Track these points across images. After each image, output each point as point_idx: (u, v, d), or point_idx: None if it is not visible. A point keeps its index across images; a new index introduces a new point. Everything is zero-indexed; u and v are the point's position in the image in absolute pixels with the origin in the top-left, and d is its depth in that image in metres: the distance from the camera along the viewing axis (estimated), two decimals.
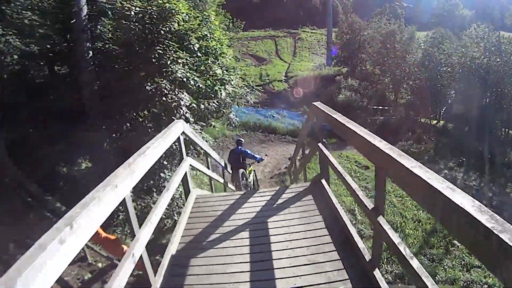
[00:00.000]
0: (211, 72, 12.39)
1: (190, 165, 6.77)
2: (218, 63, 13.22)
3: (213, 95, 12.77)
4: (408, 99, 31.82)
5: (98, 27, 12.36)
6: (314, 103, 6.39)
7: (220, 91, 12.62)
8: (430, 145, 24.98)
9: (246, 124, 26.39)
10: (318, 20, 59.93)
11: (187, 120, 10.83)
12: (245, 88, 18.65)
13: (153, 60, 10.47)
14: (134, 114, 11.75)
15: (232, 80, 13.32)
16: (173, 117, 10.59)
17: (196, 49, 11.78)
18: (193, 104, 11.27)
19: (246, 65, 19.95)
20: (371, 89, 33.39)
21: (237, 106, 18.53)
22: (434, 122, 31.14)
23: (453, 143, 25.54)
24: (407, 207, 16.84)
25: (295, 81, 39.30)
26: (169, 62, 10.36)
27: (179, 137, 5.88)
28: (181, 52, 10.85)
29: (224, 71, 13.33)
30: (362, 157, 22.11)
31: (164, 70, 10.49)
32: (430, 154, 24.09)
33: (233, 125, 17.84)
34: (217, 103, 13.39)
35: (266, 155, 23.06)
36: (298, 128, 27.87)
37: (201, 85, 11.42)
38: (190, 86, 11.00)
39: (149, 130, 10.97)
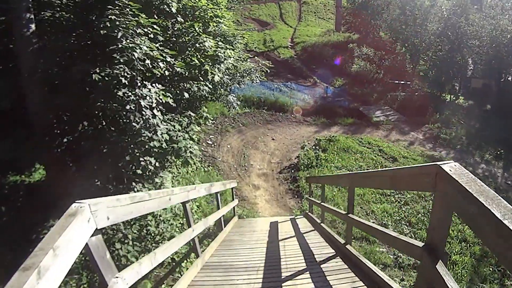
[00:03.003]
0: (198, 45, 7.74)
1: None
2: (210, 31, 8.60)
3: (202, 78, 8.25)
4: (428, 72, 27.30)
5: None
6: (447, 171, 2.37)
7: (212, 73, 8.04)
8: (461, 131, 20.69)
9: (249, 99, 21.70)
10: None
11: (153, 132, 6.42)
12: (248, 61, 13.96)
13: (101, 32, 5.89)
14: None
15: (230, 57, 8.63)
16: (134, 123, 6.13)
17: (174, 10, 7.22)
18: (168, 99, 6.70)
19: (248, 31, 15.05)
20: (387, 59, 28.73)
21: (238, 86, 13.90)
22: (453, 98, 27.08)
23: (484, 128, 21.73)
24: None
25: (302, 48, 34.30)
26: (119, 35, 5.73)
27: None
28: (143, 17, 6.22)
29: (220, 42, 8.66)
30: (386, 144, 17.76)
31: (113, 48, 5.87)
32: (463, 142, 19.89)
33: (233, 109, 13.22)
34: (211, 85, 8.92)
35: (273, 139, 18.58)
36: (309, 104, 23.28)
37: (179, 68, 6.83)
38: (159, 71, 6.41)
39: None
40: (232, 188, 10.63)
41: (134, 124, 6.06)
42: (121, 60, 5.82)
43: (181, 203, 5.06)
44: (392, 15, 30.19)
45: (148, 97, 6.08)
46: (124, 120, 6.43)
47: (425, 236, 11.55)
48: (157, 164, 7.80)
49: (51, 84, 7.52)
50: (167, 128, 7.58)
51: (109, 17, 6.03)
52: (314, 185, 12.38)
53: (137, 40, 5.94)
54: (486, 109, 25.69)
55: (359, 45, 30.63)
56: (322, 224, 8.28)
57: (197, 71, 7.92)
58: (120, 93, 5.99)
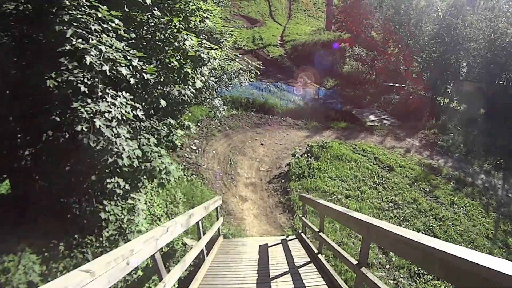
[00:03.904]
0: (177, 43, 6.37)
1: None
2: (193, 27, 7.28)
3: (181, 82, 6.93)
4: (421, 73, 26.33)
5: None
6: None
7: (193, 77, 6.72)
8: (458, 137, 19.67)
9: (236, 100, 20.39)
10: None
11: (115, 155, 5.13)
12: (237, 61, 12.63)
13: (56, 28, 4.57)
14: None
15: (216, 58, 7.23)
16: (92, 144, 4.83)
17: (149, 2, 5.89)
18: (137, 112, 5.34)
19: (237, 28, 13.27)
20: (380, 60, 27.61)
21: (224, 89, 12.59)
22: (447, 101, 26.15)
23: (482, 135, 20.73)
24: (452, 238, 12.13)
25: (292, 47, 33.07)
26: (69, 33, 4.39)
27: None
28: (103, 9, 4.87)
29: (204, 41, 7.27)
30: (381, 151, 16.62)
31: (61, 49, 4.50)
32: (461, 150, 18.81)
33: (219, 114, 11.83)
34: (194, 89, 7.60)
35: (262, 144, 17.27)
36: (300, 106, 22.00)
37: (147, 75, 5.42)
38: (123, 77, 5.02)
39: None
40: (216, 208, 9.28)
41: (91, 145, 4.69)
42: (69, 66, 4.43)
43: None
44: (386, 14, 29.11)
45: (107, 113, 4.68)
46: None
47: None
48: (126, 186, 6.48)
49: (15, 88, 6.15)
50: (139, 143, 6.29)
51: (66, 9, 4.68)
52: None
53: (93, 39, 4.56)
54: (480, 113, 24.79)
55: (350, 45, 29.48)
56: (319, 256, 7.04)
57: (175, 74, 6.58)
58: (76, 105, 4.61)
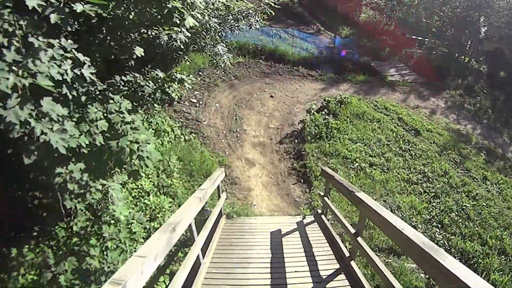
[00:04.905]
0: None
1: None
2: None
3: (164, 21, 4.62)
4: (442, 29, 23.45)
5: None
6: None
7: (182, 12, 4.37)
8: (486, 102, 17.44)
9: (243, 47, 17.77)
10: None
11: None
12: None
13: None
14: None
15: None
16: None
17: None
18: (84, 70, 3.06)
19: None
20: (399, 11, 24.60)
21: (230, 33, 10.14)
22: (469, 60, 23.58)
23: (509, 100, 18.52)
24: (487, 222, 9.87)
25: None
26: None
27: None
28: None
29: None
30: (405, 111, 14.36)
31: None
32: (489, 116, 16.63)
33: (223, 63, 9.43)
34: (189, 33, 5.33)
35: (272, 96, 14.87)
36: (314, 55, 19.36)
37: (86, 6, 3.02)
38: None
39: None
40: (218, 185, 7.12)
41: None
42: None
43: None
44: None
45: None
46: None
47: (462, 246, 8.53)
48: (85, 177, 4.29)
49: None
50: (105, 110, 4.10)
51: None
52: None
53: None
54: (501, 76, 22.25)
55: None
56: (352, 263, 5.02)
57: (155, 9, 4.23)
58: None
